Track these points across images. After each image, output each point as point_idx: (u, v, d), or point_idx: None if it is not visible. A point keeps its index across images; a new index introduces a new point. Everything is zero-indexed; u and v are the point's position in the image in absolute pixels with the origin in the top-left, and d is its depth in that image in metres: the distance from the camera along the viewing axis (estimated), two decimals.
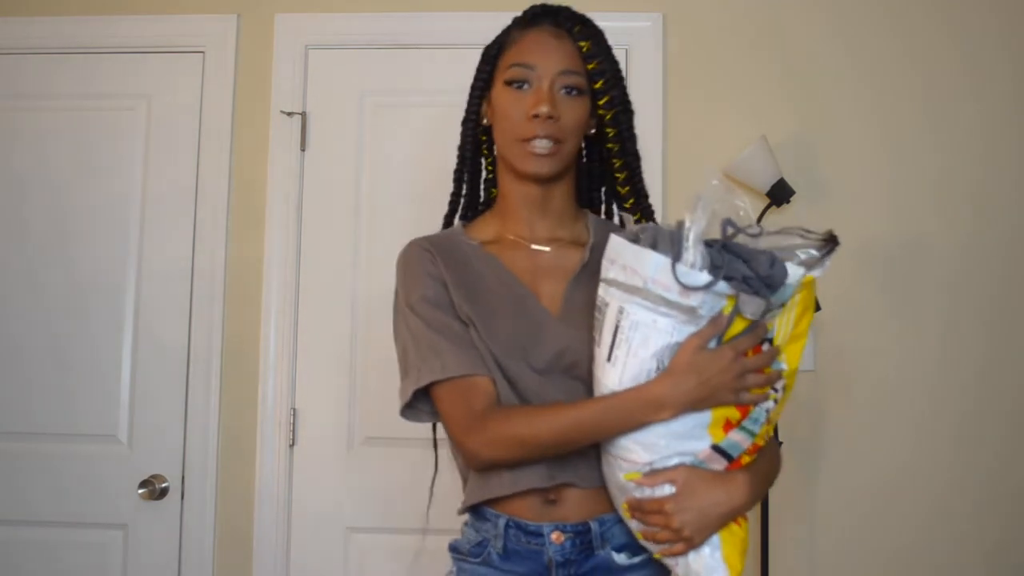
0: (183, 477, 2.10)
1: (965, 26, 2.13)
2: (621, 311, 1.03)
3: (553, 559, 1.15)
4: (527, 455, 1.12)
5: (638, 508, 1.09)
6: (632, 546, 1.17)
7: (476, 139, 1.30)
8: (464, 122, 1.29)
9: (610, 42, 1.26)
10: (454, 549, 1.23)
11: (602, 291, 1.07)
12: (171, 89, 2.20)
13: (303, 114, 2.17)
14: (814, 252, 1.05)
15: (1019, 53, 2.12)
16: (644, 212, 1.30)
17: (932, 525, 2.03)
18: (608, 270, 1.06)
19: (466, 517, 1.25)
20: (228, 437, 2.11)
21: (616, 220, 1.36)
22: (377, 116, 2.17)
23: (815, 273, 1.05)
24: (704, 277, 0.98)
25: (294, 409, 2.11)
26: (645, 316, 1.01)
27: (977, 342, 2.06)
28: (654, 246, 1.00)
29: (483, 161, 1.32)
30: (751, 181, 2.03)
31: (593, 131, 1.28)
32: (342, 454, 2.09)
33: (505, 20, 1.24)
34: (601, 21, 2.12)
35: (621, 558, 1.17)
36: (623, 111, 1.26)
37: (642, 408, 1.03)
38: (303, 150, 2.16)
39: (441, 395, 1.15)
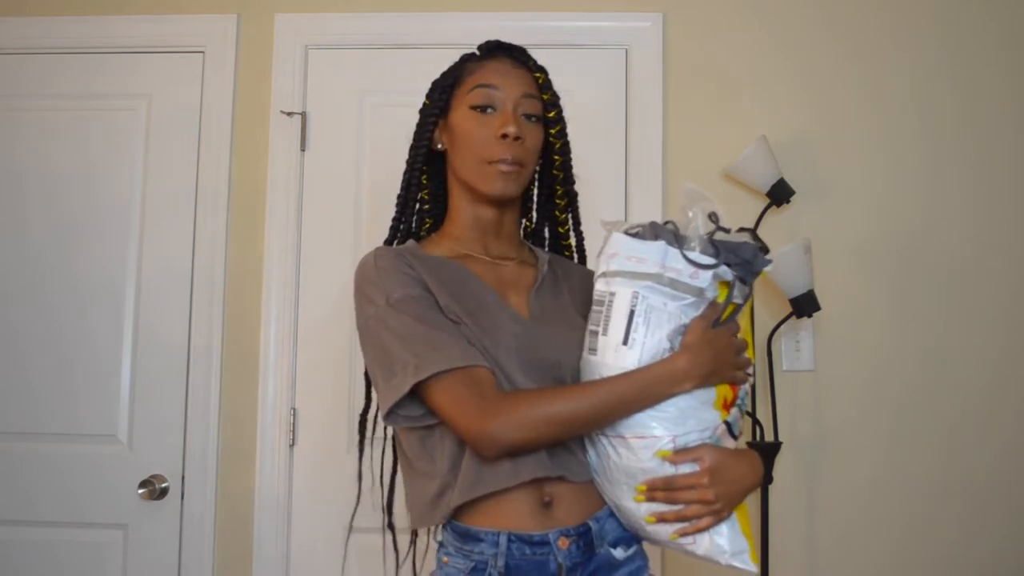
0: (183, 477, 2.10)
1: (963, 27, 2.13)
2: (636, 296, 1.12)
3: (563, 565, 1.14)
4: (552, 435, 1.12)
5: (664, 487, 1.11)
6: (625, 539, 1.21)
7: (422, 167, 1.34)
8: (413, 148, 1.33)
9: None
10: None
11: (602, 285, 1.16)
12: (171, 89, 2.20)
13: (303, 114, 2.17)
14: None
15: (1016, 55, 2.12)
16: (578, 237, 1.41)
17: (931, 523, 2.03)
18: (609, 263, 1.15)
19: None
20: (228, 437, 2.11)
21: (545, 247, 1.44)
22: (377, 116, 2.17)
23: (767, 269, 1.18)
24: (712, 259, 1.11)
25: (294, 409, 2.11)
26: (657, 300, 1.11)
27: (977, 341, 2.06)
28: (657, 239, 1.13)
29: (419, 192, 1.36)
30: (751, 181, 2.03)
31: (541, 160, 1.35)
32: (342, 454, 2.09)
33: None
34: (601, 21, 2.17)
35: (618, 553, 1.20)
36: (566, 144, 1.34)
37: (669, 380, 1.10)
38: (303, 150, 2.17)
39: (443, 387, 1.11)
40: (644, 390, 1.10)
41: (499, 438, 1.09)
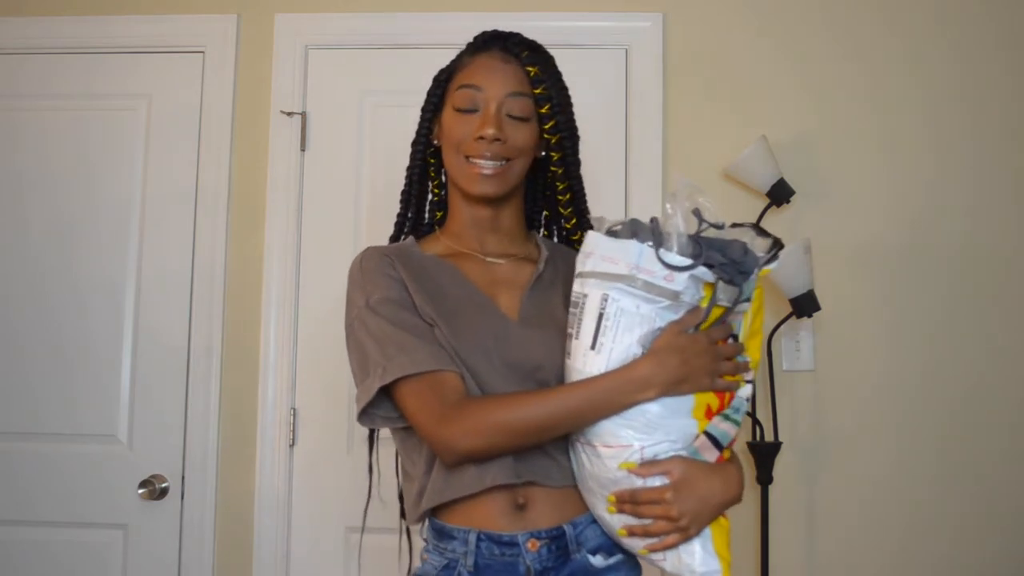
0: (183, 477, 2.10)
1: (964, 27, 2.13)
2: (605, 298, 1.05)
3: (532, 567, 1.13)
4: (507, 444, 1.09)
5: (630, 500, 1.07)
6: (607, 547, 1.17)
7: (425, 161, 1.33)
8: (414, 143, 1.32)
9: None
10: None
11: (578, 286, 1.11)
12: (171, 89, 2.20)
13: (303, 114, 2.17)
14: (761, 253, 1.11)
15: (1017, 55, 2.12)
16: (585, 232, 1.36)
17: (931, 523, 2.03)
18: (584, 263, 1.10)
19: (420, 543, 1.22)
20: (228, 437, 2.11)
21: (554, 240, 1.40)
22: (377, 116, 2.17)
23: (771, 266, 1.11)
24: (687, 260, 1.03)
25: (294, 409, 2.11)
26: (629, 303, 1.05)
27: (976, 342, 2.06)
28: (633, 238, 1.06)
29: (429, 184, 1.35)
30: (751, 181, 2.03)
31: (542, 154, 1.31)
32: (342, 454, 2.09)
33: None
34: (601, 21, 2.17)
35: (597, 560, 1.17)
36: (568, 136, 1.29)
37: (629, 387, 1.05)
38: (303, 150, 2.17)
39: (409, 390, 1.11)
40: (601, 398, 1.05)
41: (454, 445, 1.08)
